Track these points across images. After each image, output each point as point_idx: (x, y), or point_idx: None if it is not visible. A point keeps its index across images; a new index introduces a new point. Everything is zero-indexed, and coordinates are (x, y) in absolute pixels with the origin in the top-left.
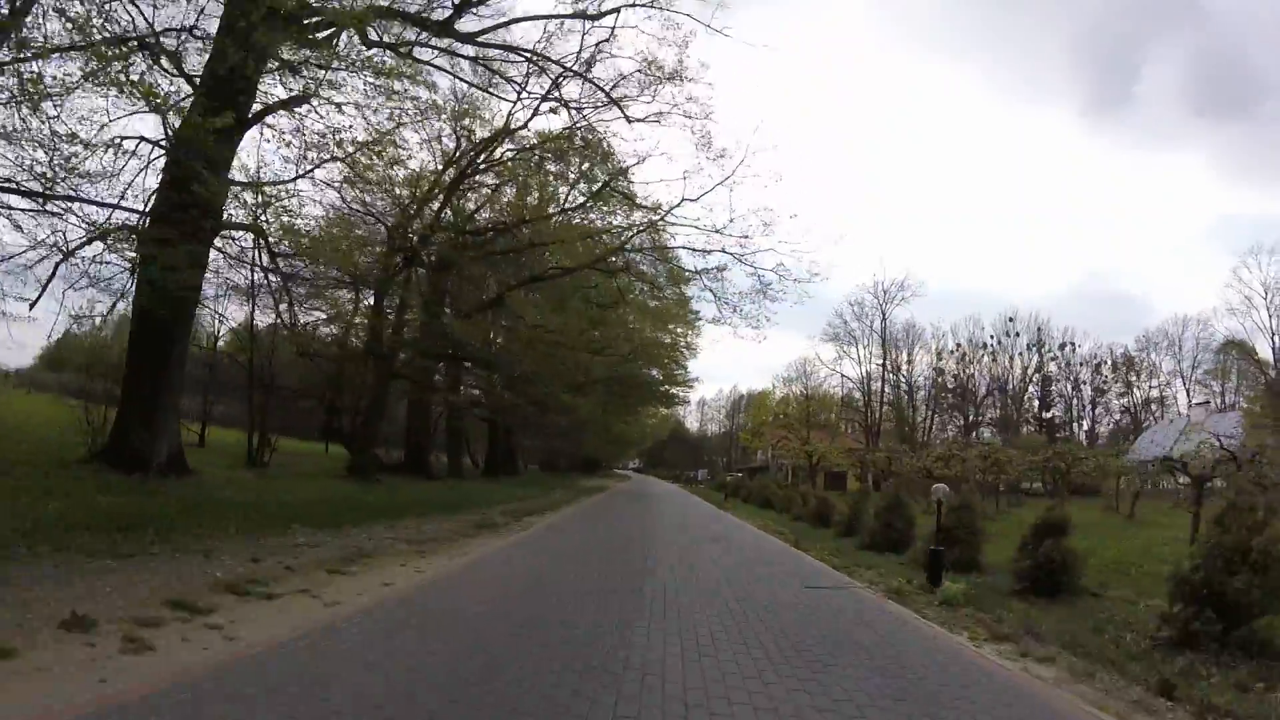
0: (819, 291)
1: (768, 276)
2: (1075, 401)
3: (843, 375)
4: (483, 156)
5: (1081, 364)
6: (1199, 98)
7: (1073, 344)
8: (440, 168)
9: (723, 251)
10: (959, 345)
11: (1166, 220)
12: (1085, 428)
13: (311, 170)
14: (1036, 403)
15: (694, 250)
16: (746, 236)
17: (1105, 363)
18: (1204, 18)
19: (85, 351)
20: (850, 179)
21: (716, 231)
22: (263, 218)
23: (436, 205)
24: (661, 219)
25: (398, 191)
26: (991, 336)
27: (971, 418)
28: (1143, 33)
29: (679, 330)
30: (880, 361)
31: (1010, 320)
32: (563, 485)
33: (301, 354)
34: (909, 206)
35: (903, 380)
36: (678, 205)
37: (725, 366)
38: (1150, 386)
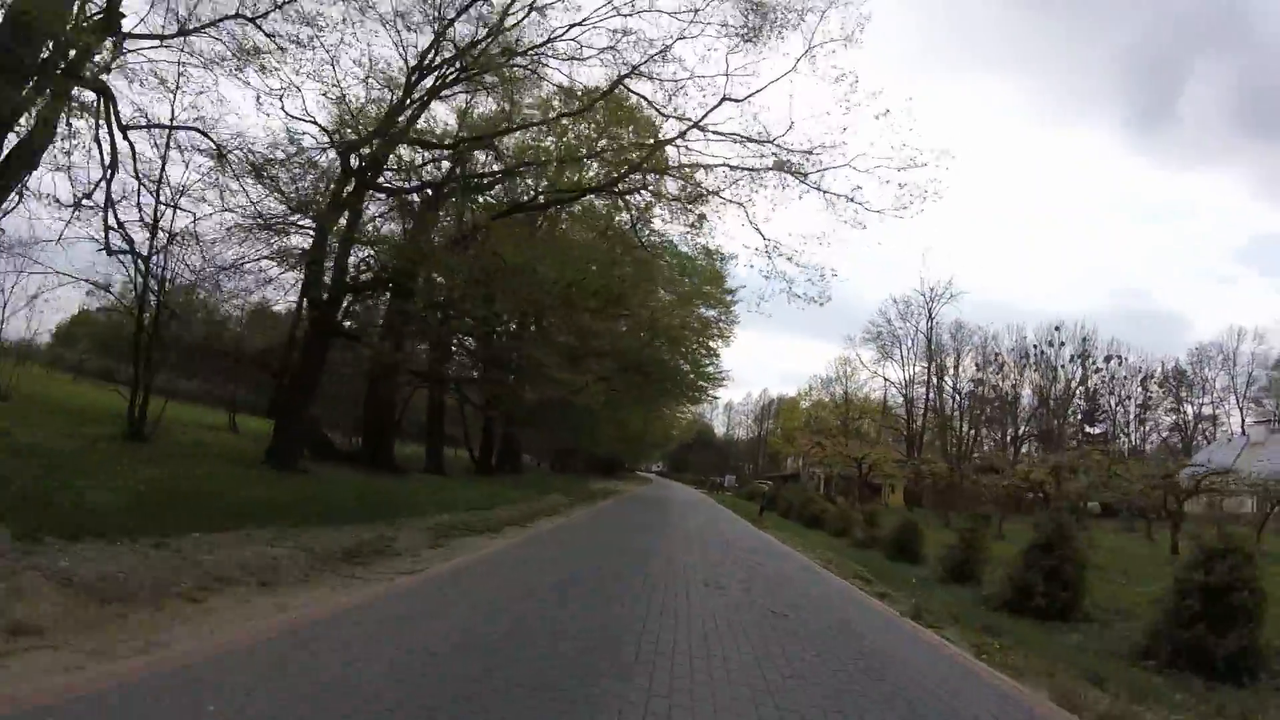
0: (849, 300)
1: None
2: (1119, 416)
3: (885, 379)
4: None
5: (1127, 377)
6: (1241, 115)
7: (1119, 357)
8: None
9: (778, 168)
10: (998, 354)
11: (1202, 238)
12: (1130, 444)
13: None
14: (1079, 416)
15: (738, 168)
16: (811, 152)
17: (1152, 377)
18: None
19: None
20: None
21: (768, 142)
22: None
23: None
24: (694, 126)
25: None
26: (1034, 346)
27: (1013, 431)
28: (1187, 49)
29: (710, 315)
30: (925, 365)
31: (1056, 329)
32: (567, 488)
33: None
34: (943, 219)
35: (948, 386)
36: (716, 106)
37: (754, 371)
38: (1202, 403)
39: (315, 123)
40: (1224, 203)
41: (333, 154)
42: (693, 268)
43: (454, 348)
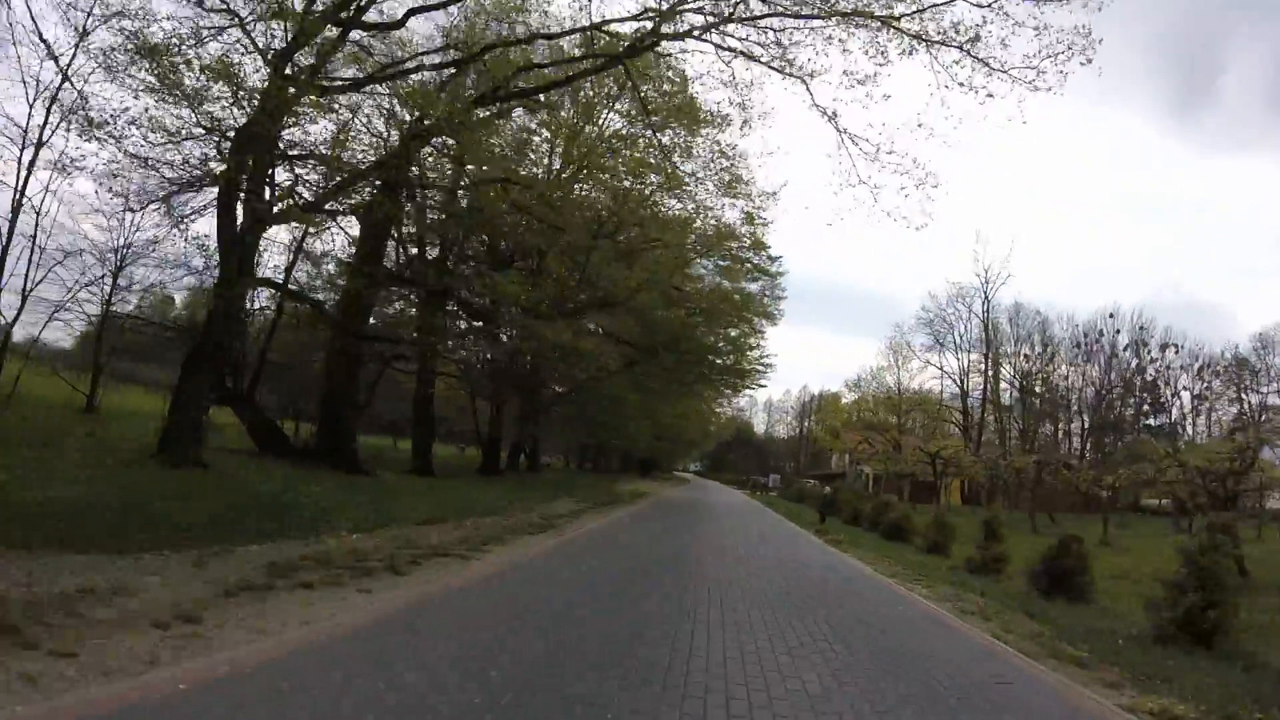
0: (886, 299)
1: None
2: (1175, 408)
3: (939, 368)
4: None
5: (1182, 368)
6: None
7: (1176, 345)
8: None
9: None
10: (1047, 345)
11: (1246, 225)
12: (1187, 436)
13: None
14: (1141, 408)
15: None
16: None
17: (1207, 366)
18: None
19: None
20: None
21: None
22: None
23: None
24: None
25: None
26: (1086, 335)
27: (1064, 425)
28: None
29: (752, 289)
30: (982, 353)
31: (1110, 317)
32: (587, 490)
33: None
34: (970, 213)
35: (1006, 373)
36: None
37: (793, 367)
38: (1268, 391)
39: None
40: (1259, 190)
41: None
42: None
43: (452, 310)
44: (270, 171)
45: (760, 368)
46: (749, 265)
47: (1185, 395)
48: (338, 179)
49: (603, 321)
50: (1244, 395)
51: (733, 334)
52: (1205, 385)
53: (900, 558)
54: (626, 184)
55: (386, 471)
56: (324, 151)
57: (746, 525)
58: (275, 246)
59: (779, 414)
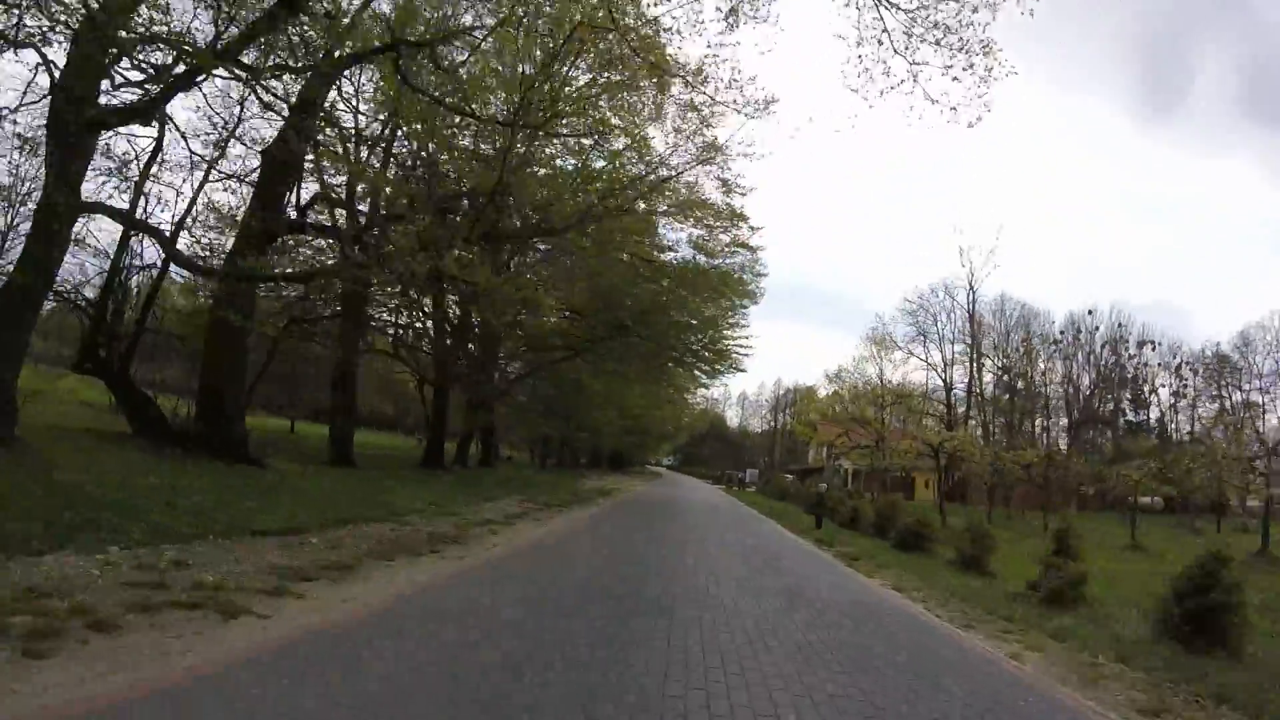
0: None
1: None
2: (1154, 404)
3: (925, 360)
4: None
5: (1160, 365)
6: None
7: (1153, 343)
8: None
9: None
10: (1025, 339)
11: (1211, 226)
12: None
13: None
14: (1112, 404)
15: None
16: None
17: (1185, 364)
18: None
19: None
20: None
21: None
22: None
23: None
24: None
25: None
26: (1062, 333)
27: (1043, 420)
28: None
29: (731, 265)
30: (967, 344)
31: (1089, 314)
32: (543, 488)
33: None
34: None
35: (990, 365)
36: None
37: (766, 361)
38: (1249, 389)
39: None
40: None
41: None
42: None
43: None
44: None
45: (739, 350)
46: (725, 241)
47: (1163, 392)
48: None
49: (558, 294)
50: (1224, 392)
51: (708, 312)
52: (1183, 382)
53: (937, 579)
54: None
55: (290, 463)
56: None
57: (729, 532)
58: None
59: (753, 408)
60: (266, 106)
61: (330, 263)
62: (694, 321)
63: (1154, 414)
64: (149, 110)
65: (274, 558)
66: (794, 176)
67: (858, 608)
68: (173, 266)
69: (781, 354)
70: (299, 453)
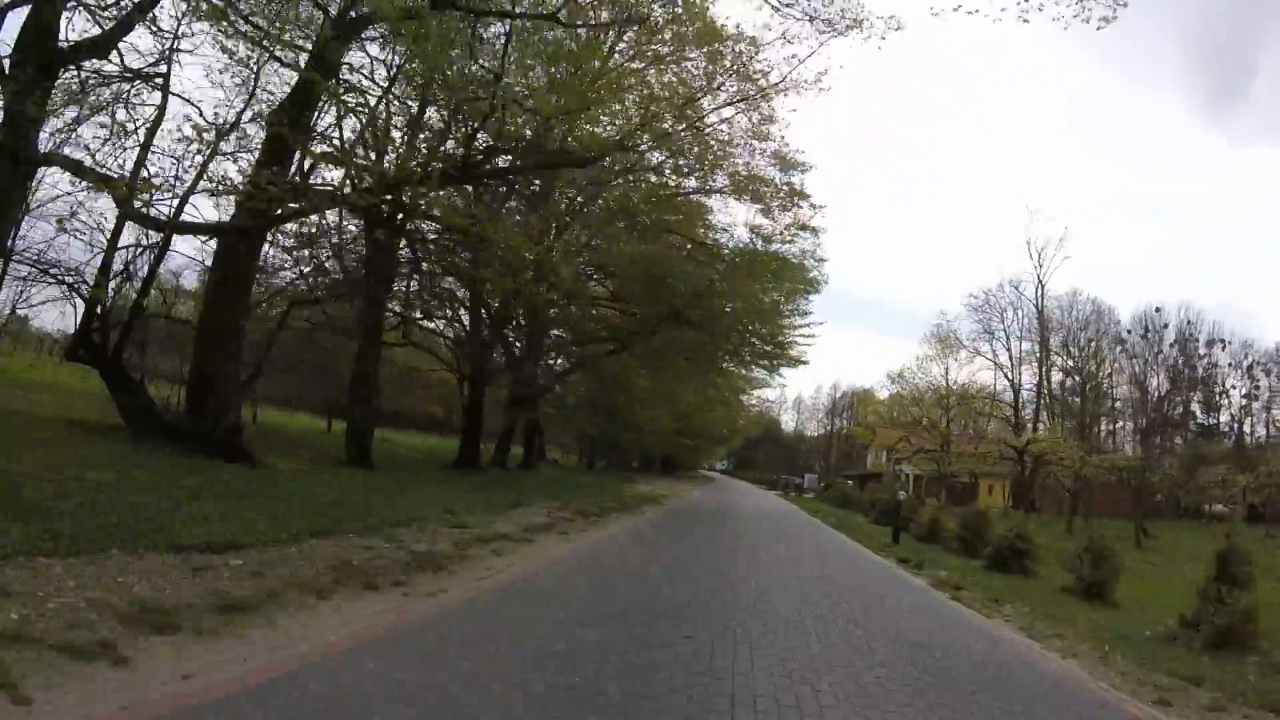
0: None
1: None
2: (1225, 407)
3: (993, 360)
4: None
5: (1231, 365)
6: None
7: (1223, 341)
8: None
9: None
10: (1095, 337)
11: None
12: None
13: None
14: (1181, 407)
15: None
16: None
17: (1258, 364)
18: None
19: None
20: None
21: None
22: None
23: None
24: None
25: None
26: (1129, 331)
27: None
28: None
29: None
30: (1038, 340)
31: (1157, 311)
32: (586, 491)
33: None
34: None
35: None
36: None
37: (824, 366)
38: None
39: None
40: None
41: None
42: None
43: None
44: None
45: (801, 341)
46: (785, 223)
47: (1234, 394)
48: None
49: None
50: None
51: (766, 299)
52: (1255, 384)
53: (1069, 617)
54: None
55: (300, 462)
56: None
57: (796, 549)
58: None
59: (809, 412)
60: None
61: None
62: (750, 310)
63: (1224, 416)
64: (107, 44)
65: (152, 587)
66: (839, 178)
67: (1000, 678)
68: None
69: (839, 357)
70: (318, 451)
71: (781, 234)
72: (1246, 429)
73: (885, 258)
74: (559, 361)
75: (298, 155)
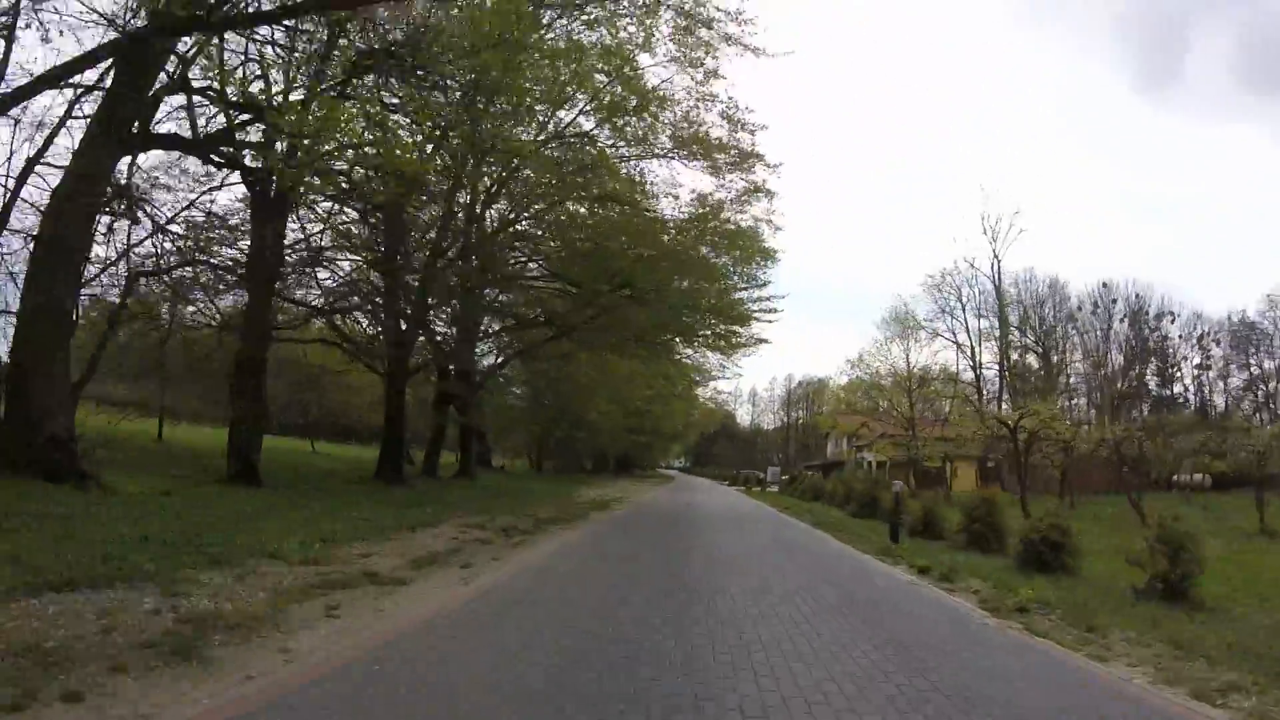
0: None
1: None
2: (1179, 378)
3: (953, 339)
4: None
5: (1181, 337)
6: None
7: (1171, 314)
8: None
9: None
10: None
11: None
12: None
13: None
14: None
15: None
16: None
17: (1208, 334)
18: None
19: None
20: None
21: None
22: None
23: None
24: None
25: None
26: (1079, 308)
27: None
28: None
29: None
30: (997, 315)
31: (1104, 286)
32: (529, 500)
33: None
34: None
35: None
36: None
37: (777, 357)
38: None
39: None
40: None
41: None
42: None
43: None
44: None
45: (761, 314)
46: (739, 189)
47: (1185, 365)
48: None
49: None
50: (1252, 360)
51: (719, 264)
52: (1205, 354)
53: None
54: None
55: (167, 480)
56: None
57: (783, 561)
58: None
59: (765, 404)
60: None
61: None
62: (701, 276)
63: (1178, 388)
64: None
65: None
66: (788, 170)
67: None
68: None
69: (792, 350)
70: (201, 467)
71: (733, 202)
72: (1201, 398)
73: (834, 249)
74: (497, 358)
75: None
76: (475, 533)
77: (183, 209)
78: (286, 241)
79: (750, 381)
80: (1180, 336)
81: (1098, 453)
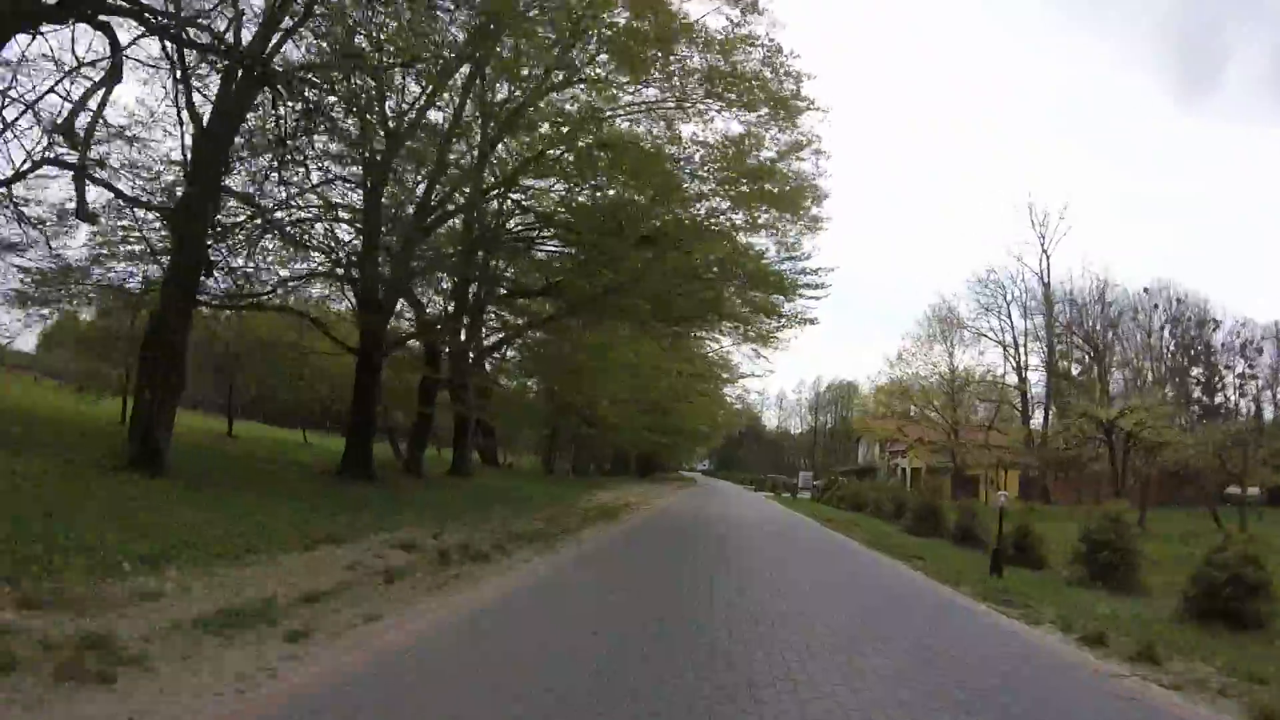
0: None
1: None
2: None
3: (999, 340)
4: None
5: (1223, 346)
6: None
7: (1215, 321)
8: None
9: None
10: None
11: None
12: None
13: None
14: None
15: None
16: None
17: (1250, 343)
18: None
19: None
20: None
21: None
22: None
23: None
24: None
25: None
26: (1119, 314)
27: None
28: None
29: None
30: (1046, 315)
31: (1144, 291)
32: (526, 507)
33: None
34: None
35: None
36: None
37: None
38: None
39: None
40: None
41: None
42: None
43: None
44: None
45: (806, 287)
46: (783, 142)
47: (1228, 374)
48: None
49: None
50: None
51: (759, 220)
52: (1249, 362)
53: None
54: None
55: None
56: None
57: (857, 622)
58: None
59: (791, 409)
60: None
61: None
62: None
63: (1217, 399)
64: None
65: None
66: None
67: None
68: None
69: (820, 354)
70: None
71: (775, 161)
72: (1247, 407)
73: (863, 251)
74: (497, 342)
75: None
76: (402, 556)
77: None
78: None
79: (778, 384)
80: (1223, 345)
81: (1193, 461)
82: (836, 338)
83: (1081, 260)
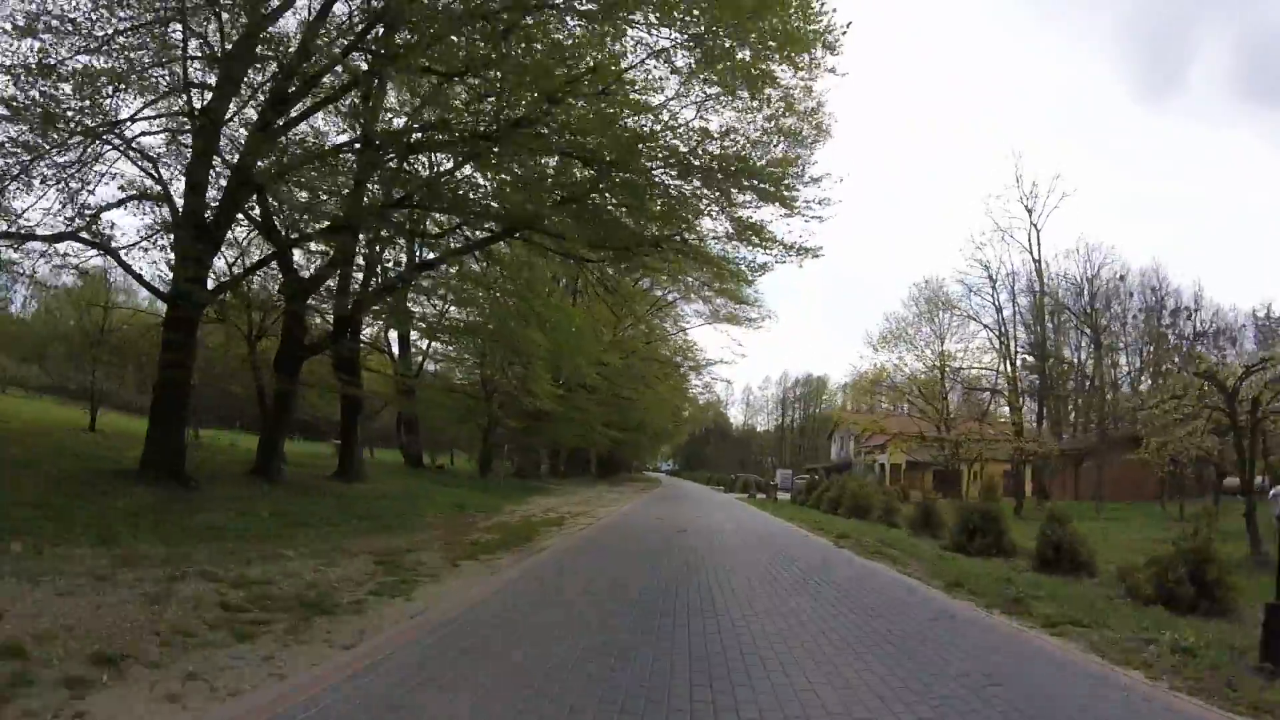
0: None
1: None
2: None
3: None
4: None
5: (1197, 335)
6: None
7: (1189, 308)
8: None
9: None
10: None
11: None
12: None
13: None
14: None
15: None
16: None
17: (1222, 333)
18: None
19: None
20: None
21: None
22: None
23: None
24: None
25: None
26: (1089, 301)
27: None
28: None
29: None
30: (1037, 292)
31: (1121, 279)
32: (395, 518)
33: None
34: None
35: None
36: None
37: (771, 355)
38: None
39: None
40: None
41: None
42: None
43: None
44: None
45: (806, 204)
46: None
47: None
48: None
49: None
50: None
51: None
52: (1221, 353)
53: None
54: None
55: None
56: None
57: None
58: None
59: (758, 405)
60: None
61: None
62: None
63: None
64: None
65: None
66: None
67: None
68: None
69: (785, 349)
70: None
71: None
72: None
73: (860, 249)
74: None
75: None
76: None
77: None
78: None
79: (744, 379)
80: (1197, 333)
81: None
82: (803, 332)
83: (1078, 241)
